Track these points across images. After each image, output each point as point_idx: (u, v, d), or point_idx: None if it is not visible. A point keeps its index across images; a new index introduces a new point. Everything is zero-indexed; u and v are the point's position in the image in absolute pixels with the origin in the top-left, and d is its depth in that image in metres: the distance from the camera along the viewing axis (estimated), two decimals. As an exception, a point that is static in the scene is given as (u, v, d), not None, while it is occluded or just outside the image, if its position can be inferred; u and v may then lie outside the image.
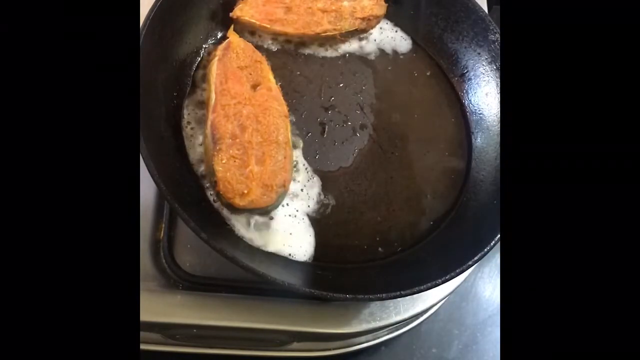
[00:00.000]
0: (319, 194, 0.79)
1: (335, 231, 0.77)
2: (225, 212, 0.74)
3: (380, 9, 0.91)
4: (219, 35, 0.88)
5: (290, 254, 0.74)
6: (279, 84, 0.85)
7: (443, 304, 0.91)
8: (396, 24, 0.96)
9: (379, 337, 0.90)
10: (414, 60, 0.94)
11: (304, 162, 0.81)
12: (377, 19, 0.92)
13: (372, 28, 0.92)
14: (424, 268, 0.75)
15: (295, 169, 0.79)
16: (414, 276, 0.72)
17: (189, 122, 0.79)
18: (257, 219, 0.75)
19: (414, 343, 0.99)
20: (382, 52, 0.93)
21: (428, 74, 0.93)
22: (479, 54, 0.91)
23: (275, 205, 0.75)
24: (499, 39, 0.88)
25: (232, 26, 0.86)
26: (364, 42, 0.93)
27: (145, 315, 0.70)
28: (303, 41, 0.90)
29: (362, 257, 0.77)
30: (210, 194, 0.75)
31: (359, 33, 0.92)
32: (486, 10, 0.93)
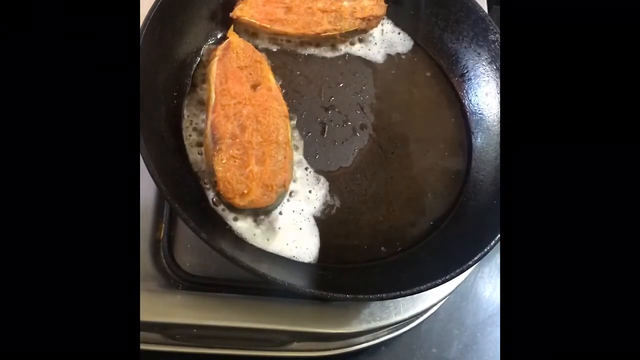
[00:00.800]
0: (319, 194, 0.79)
1: (336, 231, 0.77)
2: (225, 212, 0.74)
3: (380, 9, 0.91)
4: (219, 35, 0.88)
5: (289, 254, 0.74)
6: (279, 84, 0.85)
7: (443, 304, 0.91)
8: (396, 24, 0.96)
9: (379, 337, 0.90)
10: (414, 60, 0.94)
11: (304, 162, 0.81)
12: (377, 19, 0.92)
13: (372, 28, 0.92)
14: (424, 268, 0.75)
15: (295, 169, 0.79)
16: (414, 276, 0.72)
17: (189, 122, 0.79)
18: (256, 219, 0.75)
19: (414, 343, 0.99)
20: (382, 52, 0.93)
21: (428, 74, 0.93)
22: (479, 54, 0.91)
23: (275, 205, 0.75)
24: (499, 39, 0.88)
25: (232, 26, 0.86)
26: (364, 42, 0.93)
27: (145, 315, 0.70)
28: (303, 41, 0.90)
29: (362, 257, 0.77)
30: (211, 194, 0.75)
31: (359, 33, 0.92)
32: (486, 10, 0.93)
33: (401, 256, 0.79)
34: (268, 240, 0.74)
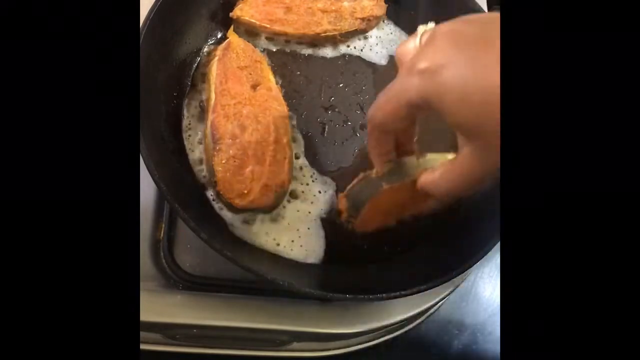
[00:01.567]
0: (319, 194, 0.79)
1: (336, 231, 0.77)
2: (225, 212, 0.74)
3: (380, 9, 0.91)
4: (219, 35, 0.88)
5: (289, 254, 0.74)
6: (279, 84, 0.85)
7: (443, 304, 0.91)
8: (396, 24, 0.96)
9: (379, 337, 0.90)
10: (414, 60, 0.94)
11: (304, 162, 0.81)
12: (377, 19, 0.92)
13: (372, 28, 0.92)
14: (424, 268, 0.75)
15: (294, 169, 0.79)
16: (414, 276, 0.72)
17: (189, 122, 0.80)
18: (256, 219, 0.75)
19: (414, 343, 0.99)
20: (382, 52, 0.93)
21: (428, 74, 0.93)
22: (479, 54, 0.91)
23: (274, 205, 0.75)
24: (499, 39, 0.88)
25: (232, 26, 0.86)
26: (364, 42, 0.93)
27: (145, 315, 0.70)
28: (303, 41, 0.90)
29: (362, 257, 0.77)
30: (210, 194, 0.75)
31: (359, 33, 0.92)
32: (486, 10, 0.93)
33: (401, 256, 0.79)
34: (267, 240, 0.74)
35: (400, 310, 0.80)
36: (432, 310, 0.91)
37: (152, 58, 0.74)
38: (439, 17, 0.92)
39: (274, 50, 0.89)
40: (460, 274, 0.70)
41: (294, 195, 0.78)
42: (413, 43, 0.54)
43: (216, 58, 0.80)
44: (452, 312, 1.02)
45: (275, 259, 0.73)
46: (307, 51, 0.90)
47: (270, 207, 0.75)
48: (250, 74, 0.80)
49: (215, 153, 0.72)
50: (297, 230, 0.76)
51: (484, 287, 1.06)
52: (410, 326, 0.92)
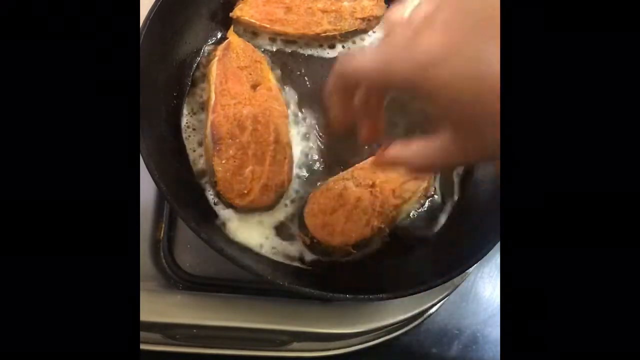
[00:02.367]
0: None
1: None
2: (225, 212, 0.74)
3: (380, 9, 0.91)
4: (219, 35, 0.88)
5: (289, 254, 0.74)
6: (279, 84, 0.85)
7: (443, 304, 0.91)
8: (396, 24, 0.96)
9: (379, 337, 0.90)
10: (414, 60, 0.94)
11: (304, 162, 0.81)
12: (377, 20, 0.92)
13: (372, 29, 0.92)
14: (424, 268, 0.75)
15: (294, 169, 0.79)
16: (414, 276, 0.72)
17: (189, 122, 0.80)
18: (257, 219, 0.75)
19: (414, 343, 0.99)
20: (382, 52, 0.93)
21: (428, 74, 0.93)
22: (479, 54, 0.91)
23: (274, 205, 0.75)
24: (499, 39, 0.88)
25: (232, 26, 0.86)
26: (364, 43, 0.93)
27: (145, 315, 0.70)
28: (303, 41, 0.90)
29: (362, 257, 0.77)
30: (210, 194, 0.75)
31: (359, 33, 0.92)
32: (486, 11, 0.93)
33: (401, 257, 0.78)
34: (267, 240, 0.74)
35: (400, 310, 0.80)
36: (432, 310, 0.91)
37: (152, 58, 0.74)
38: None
39: (274, 50, 0.89)
40: (460, 274, 0.70)
41: (293, 195, 0.78)
42: (405, 10, 0.49)
43: (216, 58, 0.80)
44: (452, 312, 1.02)
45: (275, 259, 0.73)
46: (307, 51, 0.90)
47: (270, 207, 0.75)
48: (250, 74, 0.80)
49: (215, 153, 0.72)
50: (293, 229, 0.76)
51: (484, 287, 1.06)
52: (410, 326, 0.92)
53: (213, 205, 0.74)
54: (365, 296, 0.68)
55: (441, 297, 0.82)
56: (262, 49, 0.87)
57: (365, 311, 0.78)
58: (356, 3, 0.90)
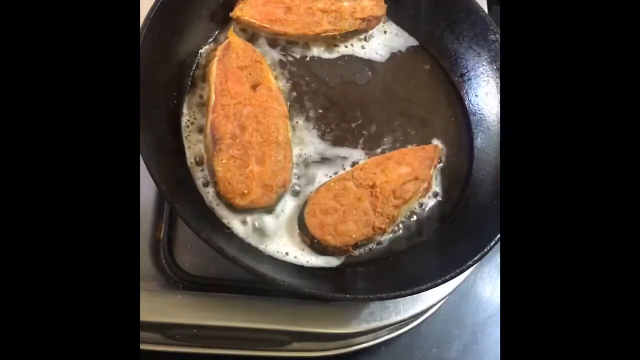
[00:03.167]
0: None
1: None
2: (225, 212, 0.74)
3: (381, 9, 0.91)
4: (219, 35, 0.88)
5: (290, 254, 0.74)
6: (279, 84, 0.85)
7: (443, 304, 0.91)
8: (396, 24, 0.96)
9: (379, 337, 0.90)
10: (414, 60, 0.94)
11: (304, 162, 0.81)
12: (377, 20, 0.92)
13: (372, 29, 0.92)
14: (424, 268, 0.75)
15: (294, 169, 0.79)
16: (414, 276, 0.72)
17: (189, 122, 0.79)
18: (257, 219, 0.75)
19: (414, 343, 0.99)
20: (382, 52, 0.93)
21: (428, 74, 0.93)
22: (479, 54, 0.91)
23: (275, 205, 0.75)
24: (499, 39, 0.88)
25: (232, 26, 0.86)
26: (364, 43, 0.93)
27: (145, 315, 0.70)
28: (303, 41, 0.90)
29: (362, 257, 0.77)
30: (211, 194, 0.75)
31: (359, 33, 0.92)
32: (486, 10, 0.93)
33: (401, 257, 0.78)
34: (268, 240, 0.74)
35: (400, 310, 0.80)
36: (432, 310, 0.91)
37: (152, 58, 0.74)
38: (439, 17, 0.94)
39: (274, 50, 0.89)
40: (460, 274, 0.70)
41: (293, 195, 0.78)
42: None
43: (216, 58, 0.80)
44: (452, 312, 1.02)
45: (275, 259, 0.73)
46: (307, 51, 0.90)
47: (271, 207, 0.75)
48: (250, 74, 0.80)
49: (215, 153, 0.72)
50: (293, 229, 0.76)
51: (484, 287, 1.06)
52: (411, 326, 0.92)
53: (213, 205, 0.74)
54: (365, 296, 0.68)
55: (441, 297, 0.82)
56: (262, 49, 0.87)
57: (365, 311, 0.78)
58: (356, 3, 0.90)
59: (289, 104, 0.83)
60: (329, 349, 0.87)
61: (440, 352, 1.00)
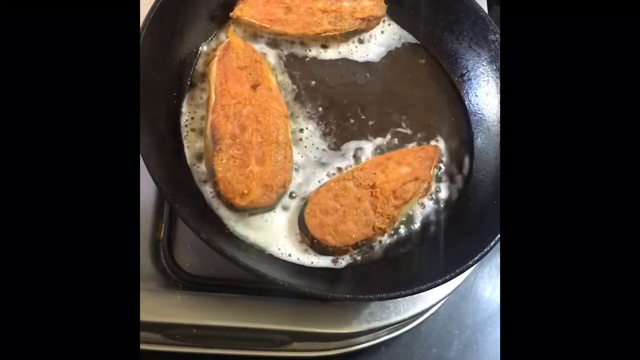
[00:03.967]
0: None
1: (336, 231, 0.77)
2: (225, 212, 0.74)
3: (381, 9, 0.91)
4: (219, 35, 0.88)
5: (290, 254, 0.74)
6: (279, 84, 0.85)
7: (443, 304, 0.91)
8: (396, 24, 0.96)
9: (379, 337, 0.90)
10: (414, 60, 0.94)
11: (304, 162, 0.81)
12: (378, 20, 0.92)
13: (372, 29, 0.92)
14: (424, 268, 0.75)
15: (294, 169, 0.79)
16: (414, 276, 0.72)
17: (188, 122, 0.79)
18: (257, 219, 0.75)
19: (414, 343, 0.99)
20: (382, 52, 0.93)
21: (428, 74, 0.93)
22: (479, 54, 0.91)
23: (274, 206, 0.75)
24: (499, 39, 0.88)
25: (232, 26, 0.86)
26: (364, 43, 0.93)
27: (145, 315, 0.70)
28: (303, 41, 0.90)
29: (361, 257, 0.77)
30: (210, 194, 0.75)
31: (359, 33, 0.92)
32: (486, 10, 0.93)
33: (401, 257, 0.78)
34: (268, 240, 0.74)
35: (400, 310, 0.80)
36: (432, 310, 0.91)
37: (152, 58, 0.74)
38: (439, 17, 0.94)
39: (274, 50, 0.89)
40: (460, 274, 0.70)
41: (293, 195, 0.78)
42: None
43: (216, 58, 0.80)
44: (452, 312, 1.03)
45: (275, 259, 0.73)
46: (307, 51, 0.90)
47: (271, 207, 0.75)
48: (250, 74, 0.80)
49: (215, 153, 0.72)
50: (293, 229, 0.76)
51: (484, 287, 1.06)
52: (411, 326, 0.92)
53: (213, 205, 0.74)
54: (365, 296, 0.68)
55: (441, 297, 0.82)
56: (262, 49, 0.87)
57: (365, 311, 0.78)
58: (356, 3, 0.90)
59: (289, 104, 0.83)
60: (329, 349, 0.87)
61: (440, 352, 1.00)
